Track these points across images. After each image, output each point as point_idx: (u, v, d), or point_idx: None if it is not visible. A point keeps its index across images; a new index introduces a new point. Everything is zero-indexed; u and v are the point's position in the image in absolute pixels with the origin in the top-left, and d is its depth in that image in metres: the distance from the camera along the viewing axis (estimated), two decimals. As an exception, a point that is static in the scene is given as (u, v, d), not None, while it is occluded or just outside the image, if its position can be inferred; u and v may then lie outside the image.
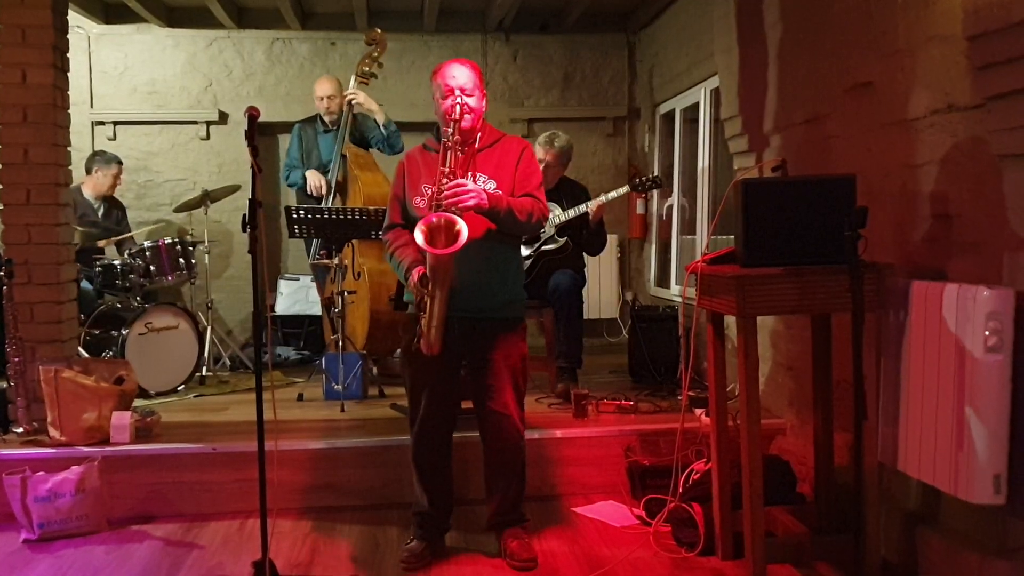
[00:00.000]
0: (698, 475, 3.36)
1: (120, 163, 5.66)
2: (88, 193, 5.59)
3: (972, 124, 2.56)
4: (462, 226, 2.71)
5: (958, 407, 2.42)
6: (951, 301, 2.45)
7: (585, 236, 4.55)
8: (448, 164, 2.85)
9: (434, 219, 2.76)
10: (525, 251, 4.53)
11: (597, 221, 4.48)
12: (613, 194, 4.54)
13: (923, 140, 2.80)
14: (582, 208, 4.45)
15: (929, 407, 2.54)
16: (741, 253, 2.69)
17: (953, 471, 2.44)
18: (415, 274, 2.88)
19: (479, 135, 3.05)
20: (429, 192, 2.93)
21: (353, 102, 5.15)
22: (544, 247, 4.53)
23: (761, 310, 2.74)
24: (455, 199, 2.78)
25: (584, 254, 4.71)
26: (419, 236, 2.72)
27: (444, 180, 2.83)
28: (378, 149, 5.30)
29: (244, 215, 2.54)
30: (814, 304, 2.69)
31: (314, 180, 5.23)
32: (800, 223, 2.64)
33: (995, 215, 2.48)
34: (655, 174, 4.74)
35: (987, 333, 2.33)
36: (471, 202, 2.80)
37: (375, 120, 5.20)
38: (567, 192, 4.61)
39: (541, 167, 4.44)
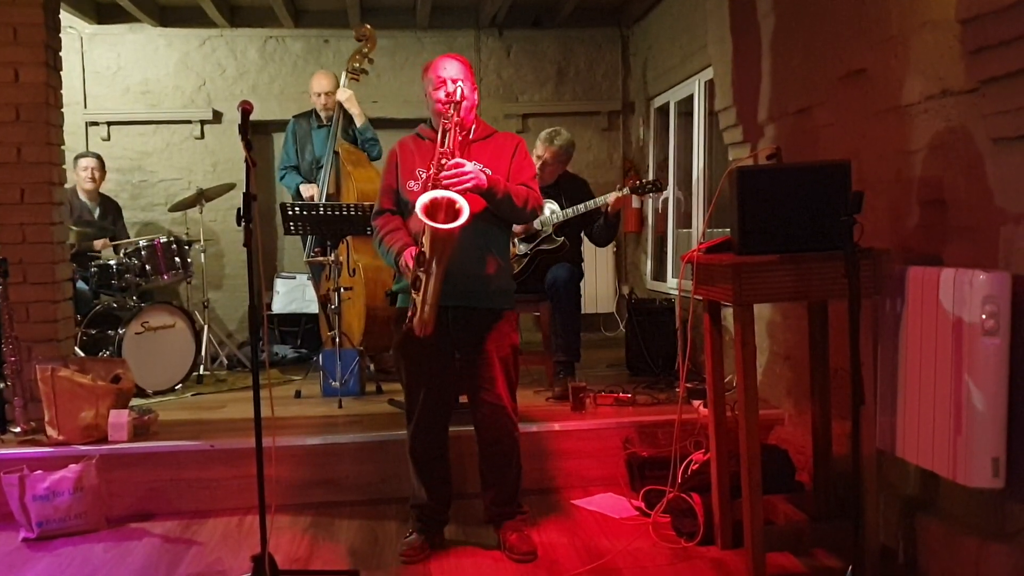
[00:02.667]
0: (697, 466, 3.36)
1: (90, 156, 5.61)
2: (81, 194, 5.58)
3: (966, 109, 2.56)
4: (463, 204, 2.69)
5: (956, 391, 2.42)
6: (947, 285, 2.45)
7: (597, 228, 4.53)
8: (448, 144, 2.84)
9: (432, 196, 2.73)
10: (523, 248, 4.54)
11: (616, 212, 4.46)
12: (626, 190, 4.52)
13: (917, 126, 2.80)
14: (580, 208, 4.44)
15: (927, 392, 2.54)
16: (737, 241, 2.69)
17: (951, 455, 2.44)
18: (408, 255, 2.86)
19: (473, 127, 3.04)
20: (424, 175, 2.92)
21: (339, 98, 5.15)
22: (541, 246, 4.53)
23: (758, 298, 2.73)
24: (455, 179, 2.77)
25: (582, 248, 4.69)
26: (419, 210, 2.69)
27: (443, 160, 2.81)
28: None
29: (239, 209, 2.53)
30: (811, 291, 2.68)
31: (307, 193, 5.25)
32: (795, 210, 2.64)
33: (990, 199, 2.48)
34: (655, 178, 4.73)
35: (984, 316, 2.33)
36: (471, 183, 2.79)
37: (353, 123, 5.23)
38: (567, 188, 4.59)
39: (539, 164, 4.48)
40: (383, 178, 3.14)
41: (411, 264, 2.83)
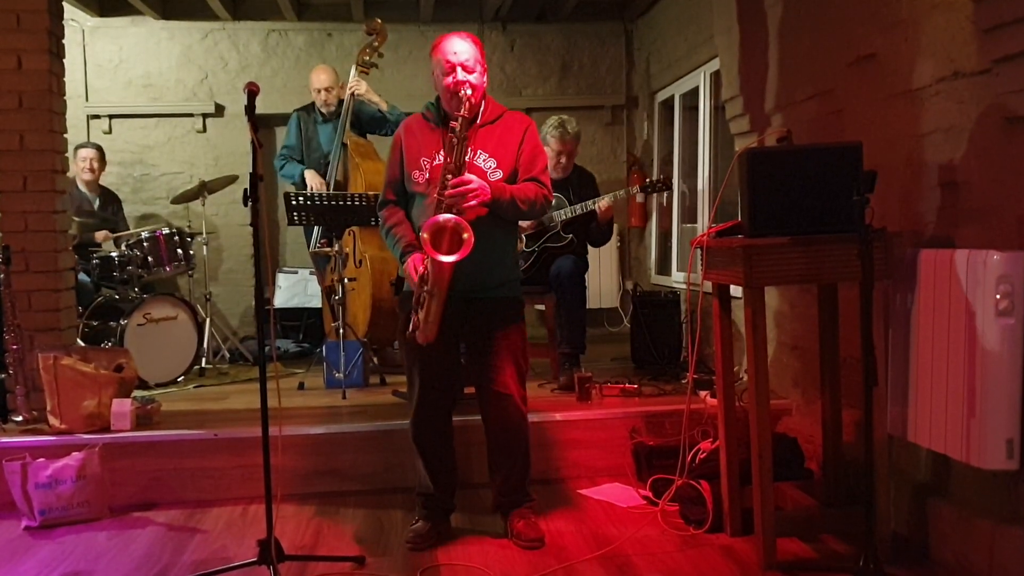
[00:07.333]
0: (704, 454, 3.33)
1: (89, 147, 5.60)
2: (81, 185, 5.56)
3: (978, 90, 2.54)
4: (470, 235, 2.70)
5: (969, 373, 2.40)
6: (961, 266, 2.43)
7: (593, 231, 4.52)
8: (453, 158, 2.82)
9: (440, 219, 2.74)
10: (530, 245, 4.51)
11: (607, 220, 4.45)
12: (622, 193, 4.53)
13: (929, 109, 2.78)
14: (590, 205, 4.42)
15: (939, 375, 2.52)
16: (747, 223, 2.67)
17: (965, 438, 2.42)
18: (413, 272, 2.85)
19: (480, 111, 3.01)
20: (428, 166, 2.92)
21: (355, 94, 5.12)
22: (548, 244, 4.51)
23: (769, 280, 2.72)
24: (459, 201, 2.77)
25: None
26: (424, 239, 2.72)
27: (447, 176, 2.80)
28: (380, 135, 5.27)
29: (245, 189, 2.51)
30: (822, 273, 2.66)
31: (313, 182, 5.20)
32: (806, 192, 2.62)
33: (1003, 180, 2.46)
34: (660, 176, 4.75)
35: (998, 296, 2.31)
36: (474, 201, 2.79)
37: (379, 109, 5.18)
38: (576, 183, 4.57)
39: (563, 159, 4.45)
40: (387, 168, 3.13)
41: (415, 278, 2.85)
